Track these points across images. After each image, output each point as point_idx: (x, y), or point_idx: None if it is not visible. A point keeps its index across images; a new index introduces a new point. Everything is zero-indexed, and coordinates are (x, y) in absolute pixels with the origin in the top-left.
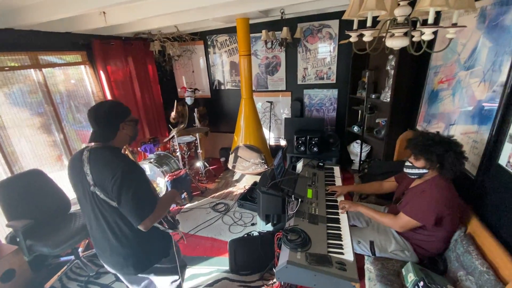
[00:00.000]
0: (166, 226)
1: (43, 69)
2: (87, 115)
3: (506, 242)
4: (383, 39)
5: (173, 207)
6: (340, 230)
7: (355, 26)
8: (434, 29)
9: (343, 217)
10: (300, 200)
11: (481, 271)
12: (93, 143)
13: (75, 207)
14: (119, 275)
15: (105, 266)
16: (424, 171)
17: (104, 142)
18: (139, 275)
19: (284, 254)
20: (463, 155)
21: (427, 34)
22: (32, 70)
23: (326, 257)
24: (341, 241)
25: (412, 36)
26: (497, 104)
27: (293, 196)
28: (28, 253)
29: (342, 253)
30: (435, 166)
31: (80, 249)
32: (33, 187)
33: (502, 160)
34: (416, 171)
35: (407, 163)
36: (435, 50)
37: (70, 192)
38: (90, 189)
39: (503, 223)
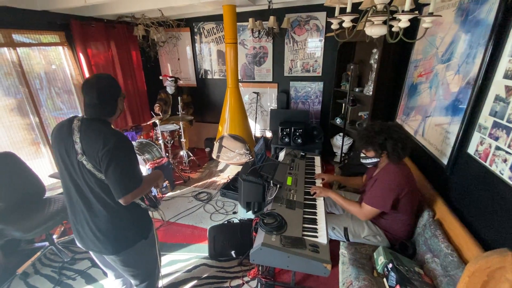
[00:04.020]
0: (148, 204)
1: (18, 49)
2: (85, 87)
3: (470, 226)
4: (363, 28)
5: (156, 194)
6: (316, 215)
7: (336, 13)
8: (410, 16)
9: (320, 203)
10: (278, 186)
11: (445, 253)
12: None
13: (50, 193)
14: (95, 257)
15: (81, 246)
16: (377, 159)
17: (103, 118)
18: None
19: (260, 237)
20: (402, 139)
21: (403, 21)
22: (5, 49)
23: (300, 240)
24: (316, 225)
25: (392, 26)
26: (469, 95)
27: (272, 182)
28: None
29: (316, 236)
30: (382, 154)
31: (55, 236)
32: (4, 170)
33: (471, 149)
34: (370, 160)
35: (362, 155)
36: (413, 41)
37: (45, 178)
38: (77, 158)
39: (468, 208)
